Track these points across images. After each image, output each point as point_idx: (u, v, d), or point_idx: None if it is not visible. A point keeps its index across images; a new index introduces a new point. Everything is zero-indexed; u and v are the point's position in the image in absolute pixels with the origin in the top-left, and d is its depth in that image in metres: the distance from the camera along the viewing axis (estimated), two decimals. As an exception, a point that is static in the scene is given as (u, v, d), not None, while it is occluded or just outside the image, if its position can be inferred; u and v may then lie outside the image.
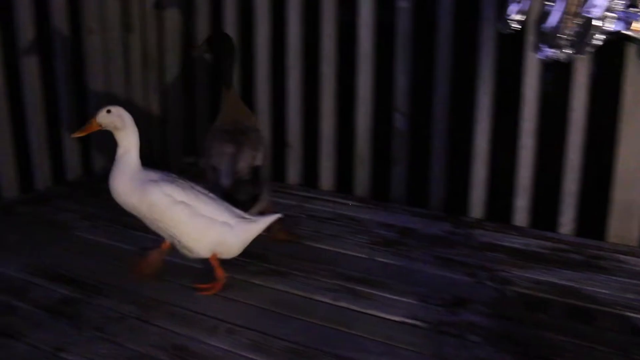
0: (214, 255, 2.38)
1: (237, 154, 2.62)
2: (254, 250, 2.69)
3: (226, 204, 2.41)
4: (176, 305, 2.29)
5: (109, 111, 2.30)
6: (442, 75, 3.09)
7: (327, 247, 2.77)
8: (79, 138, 3.06)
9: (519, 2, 2.73)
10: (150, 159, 3.90)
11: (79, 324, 2.17)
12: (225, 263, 2.56)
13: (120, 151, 2.32)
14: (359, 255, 2.71)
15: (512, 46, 2.95)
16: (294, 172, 3.55)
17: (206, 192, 2.41)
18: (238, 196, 2.52)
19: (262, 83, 3.54)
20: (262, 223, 2.43)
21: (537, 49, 2.73)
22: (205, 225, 2.33)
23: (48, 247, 2.75)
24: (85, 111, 3.62)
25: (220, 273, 2.40)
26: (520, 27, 2.75)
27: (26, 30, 3.25)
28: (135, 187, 2.28)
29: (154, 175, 2.33)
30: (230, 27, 3.56)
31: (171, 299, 2.32)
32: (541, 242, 2.81)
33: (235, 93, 2.91)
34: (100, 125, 2.31)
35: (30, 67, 3.30)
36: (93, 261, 2.60)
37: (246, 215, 2.42)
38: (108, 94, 3.69)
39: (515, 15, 2.74)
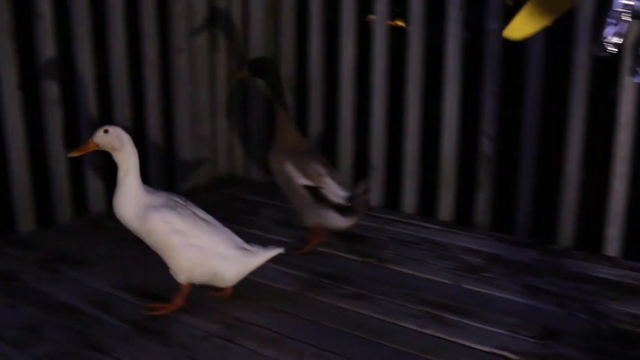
0: (188, 284, 2.37)
1: (330, 172, 2.78)
2: (337, 273, 2.68)
3: (228, 233, 2.38)
4: (262, 326, 2.28)
5: (106, 131, 2.25)
6: (532, 98, 3.02)
7: (410, 272, 2.73)
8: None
9: (616, 25, 2.64)
10: (233, 176, 3.96)
11: (165, 341, 2.18)
12: (311, 284, 2.56)
13: (120, 173, 2.28)
14: (444, 281, 2.65)
15: (606, 70, 2.87)
16: (375, 193, 3.51)
17: (209, 218, 2.39)
18: (356, 209, 2.71)
19: (346, 103, 3.53)
20: (263, 256, 2.38)
21: (634, 73, 2.63)
22: (198, 257, 2.30)
23: (135, 263, 2.78)
24: (171, 128, 3.69)
25: (179, 301, 2.37)
26: (616, 50, 2.66)
27: (120, 52, 3.34)
28: (137, 211, 2.27)
29: (156, 200, 2.30)
30: (316, 48, 3.58)
31: (256, 320, 2.31)
32: (636, 274, 2.70)
33: (290, 115, 2.91)
34: (97, 146, 2.26)
35: (121, 87, 3.39)
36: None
37: (247, 247, 2.38)
38: (194, 112, 3.75)
39: (612, 38, 2.63)
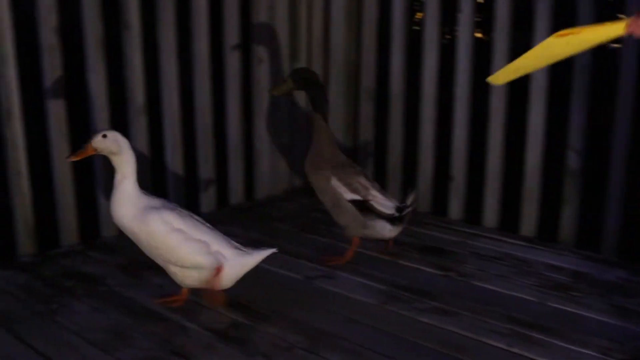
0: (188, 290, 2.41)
1: (372, 183, 2.83)
2: (418, 286, 2.64)
3: (223, 235, 2.41)
4: (344, 338, 2.25)
5: (104, 136, 2.27)
6: (623, 112, 2.92)
7: (494, 288, 2.66)
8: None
9: None
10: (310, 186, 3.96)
11: (247, 350, 2.18)
12: (391, 297, 2.53)
13: (118, 177, 2.31)
14: (529, 298, 2.58)
15: None
16: (455, 206, 3.46)
17: (204, 222, 2.41)
18: (405, 218, 2.77)
19: (427, 114, 3.49)
20: (257, 256, 2.41)
21: None
22: (199, 251, 2.32)
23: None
24: (250, 136, 3.72)
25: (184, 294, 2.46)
26: None
27: (203, 62, 3.39)
28: (136, 214, 2.29)
29: (154, 202, 2.34)
30: (397, 59, 3.55)
31: (338, 332, 2.29)
32: None
33: (329, 127, 2.88)
34: (96, 150, 2.28)
35: (204, 94, 3.43)
36: (261, 288, 2.62)
37: (242, 248, 2.40)
38: (274, 121, 3.77)
39: None
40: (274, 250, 2.45)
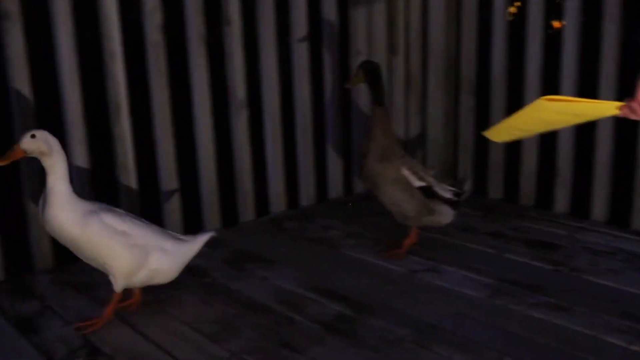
0: (119, 295, 2.31)
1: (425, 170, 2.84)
2: (527, 280, 2.56)
3: (161, 229, 2.39)
4: (453, 332, 2.20)
5: (33, 136, 2.12)
6: None
7: (608, 283, 2.55)
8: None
9: None
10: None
11: (356, 343, 2.16)
12: (500, 291, 2.46)
13: (50, 180, 2.15)
14: (646, 294, 2.47)
15: None
16: (562, 200, 3.34)
17: (139, 219, 2.35)
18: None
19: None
20: (198, 243, 2.40)
21: None
22: (140, 257, 2.26)
23: (318, 263, 2.80)
24: (348, 130, 3.71)
25: (110, 311, 2.31)
26: None
27: (302, 57, 3.40)
28: (75, 218, 2.17)
29: (91, 206, 2.23)
30: (498, 48, 3.46)
31: (447, 326, 2.24)
32: None
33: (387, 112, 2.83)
34: (25, 152, 2.13)
35: (303, 90, 3.44)
36: (363, 280, 2.60)
37: (181, 237, 2.39)
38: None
39: None
40: (212, 233, 2.44)
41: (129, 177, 2.95)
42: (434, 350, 2.09)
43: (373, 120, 2.77)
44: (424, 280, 2.63)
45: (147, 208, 3.03)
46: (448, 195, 2.79)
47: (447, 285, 2.56)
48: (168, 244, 2.34)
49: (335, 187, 3.69)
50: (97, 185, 2.90)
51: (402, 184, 2.75)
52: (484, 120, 3.58)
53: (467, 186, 2.78)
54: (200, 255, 2.82)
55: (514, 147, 3.50)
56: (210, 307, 2.43)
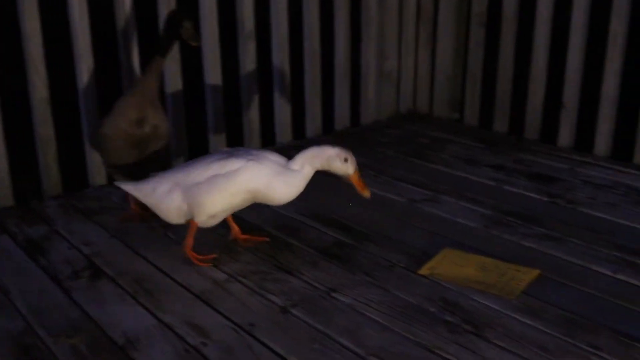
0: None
1: None
2: (524, 212, 2.60)
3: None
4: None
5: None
6: None
7: (604, 216, 2.59)
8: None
9: None
10: (416, 113, 3.94)
11: (351, 268, 2.22)
12: (496, 222, 2.51)
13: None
14: (640, 227, 2.50)
15: None
16: (566, 134, 3.35)
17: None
18: None
19: (542, 39, 3.36)
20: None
21: None
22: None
23: (319, 192, 2.83)
24: (357, 62, 3.71)
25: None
26: None
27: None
28: None
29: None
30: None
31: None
32: None
33: None
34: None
35: (312, 19, 3.43)
36: (363, 209, 2.65)
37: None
38: (381, 45, 3.74)
39: None
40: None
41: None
42: (424, 275, 2.16)
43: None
44: (423, 209, 2.68)
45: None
46: None
47: (444, 215, 2.61)
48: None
49: (342, 118, 3.72)
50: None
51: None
52: (493, 53, 3.57)
53: None
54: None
55: (521, 81, 3.49)
56: (211, 232, 2.49)
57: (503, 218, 2.57)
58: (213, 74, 3.15)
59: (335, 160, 2.16)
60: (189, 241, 2.27)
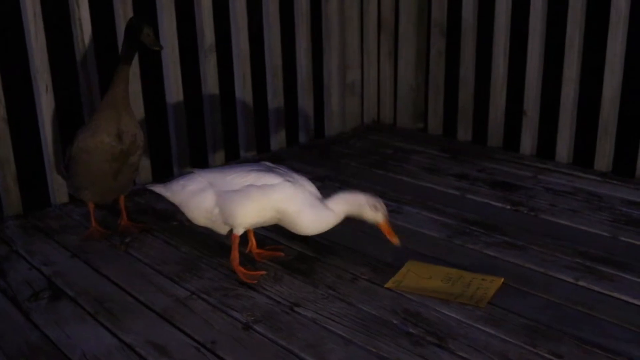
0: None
1: None
2: (487, 221, 2.61)
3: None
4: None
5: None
6: None
7: (565, 222, 2.61)
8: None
9: None
10: (380, 123, 3.95)
11: (314, 282, 2.21)
12: (459, 232, 2.51)
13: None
14: (601, 233, 2.52)
15: None
16: (528, 141, 3.38)
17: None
18: None
19: (500, 46, 3.39)
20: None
21: None
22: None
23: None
24: (320, 75, 3.71)
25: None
26: None
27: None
28: None
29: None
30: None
31: (402, 265, 2.30)
32: None
33: None
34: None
35: (274, 32, 3.42)
36: (326, 222, 2.64)
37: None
38: (343, 56, 3.75)
39: None
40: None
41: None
42: (388, 288, 2.15)
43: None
44: (386, 221, 2.68)
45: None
46: None
47: (408, 226, 2.62)
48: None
49: (306, 131, 3.71)
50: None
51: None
52: (455, 62, 3.60)
53: None
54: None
55: (483, 89, 3.52)
56: (174, 250, 2.48)
57: (466, 227, 2.58)
58: (175, 89, 3.13)
59: (366, 207, 2.16)
60: (235, 255, 2.26)
